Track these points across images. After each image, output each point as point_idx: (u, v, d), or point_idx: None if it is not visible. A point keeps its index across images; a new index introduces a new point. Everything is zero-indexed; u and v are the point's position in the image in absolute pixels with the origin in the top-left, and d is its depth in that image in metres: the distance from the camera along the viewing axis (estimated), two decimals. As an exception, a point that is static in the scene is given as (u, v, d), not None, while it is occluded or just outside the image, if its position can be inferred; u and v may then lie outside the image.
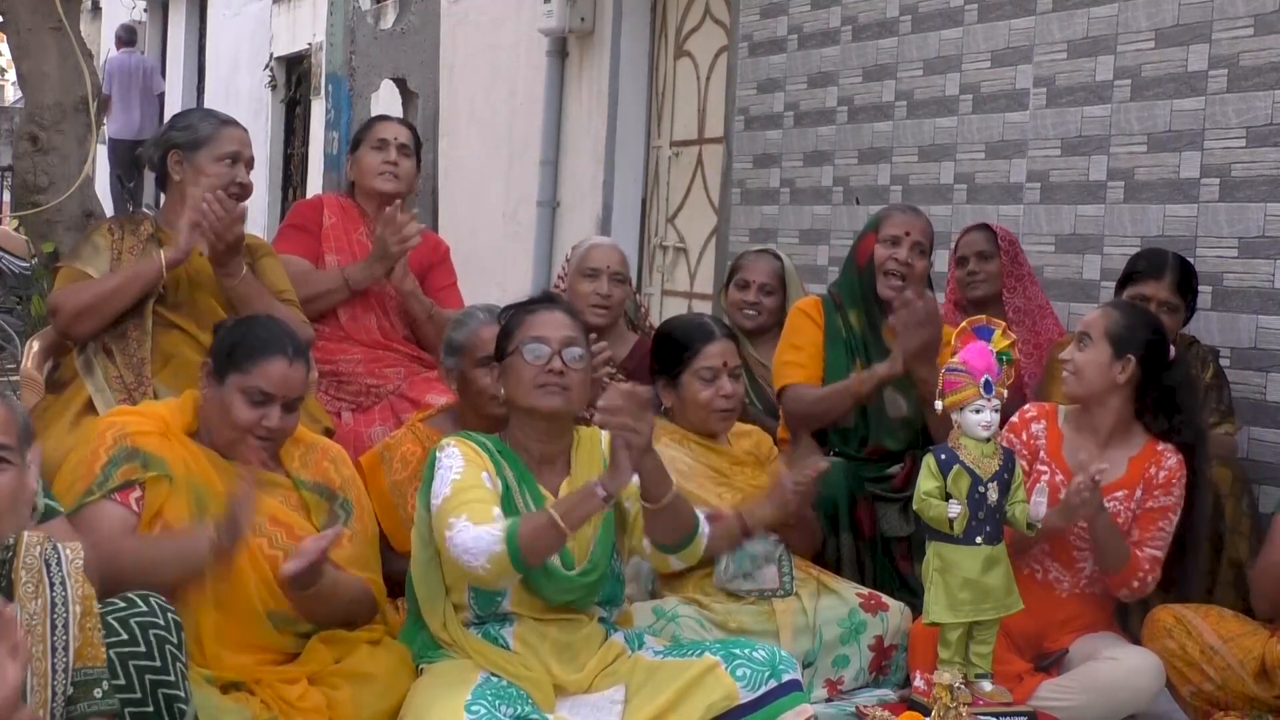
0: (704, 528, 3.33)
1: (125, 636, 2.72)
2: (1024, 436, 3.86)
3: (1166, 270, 4.43)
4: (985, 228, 5.00)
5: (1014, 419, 3.92)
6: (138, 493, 3.16)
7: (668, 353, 3.96)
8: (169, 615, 2.80)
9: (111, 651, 2.65)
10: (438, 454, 3.27)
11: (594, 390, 3.51)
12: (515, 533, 3.04)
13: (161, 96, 13.98)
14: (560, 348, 3.28)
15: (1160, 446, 3.82)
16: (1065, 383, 3.82)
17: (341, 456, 3.50)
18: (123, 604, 2.77)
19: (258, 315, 3.64)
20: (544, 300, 3.44)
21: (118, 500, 3.13)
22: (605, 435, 3.30)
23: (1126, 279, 4.49)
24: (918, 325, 4.15)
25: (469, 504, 3.12)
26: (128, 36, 13.93)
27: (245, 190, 4.10)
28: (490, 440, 3.34)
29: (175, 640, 2.78)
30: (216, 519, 3.03)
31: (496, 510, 3.13)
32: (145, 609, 2.77)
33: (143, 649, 2.73)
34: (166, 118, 5.66)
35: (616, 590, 3.39)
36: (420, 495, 3.32)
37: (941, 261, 5.33)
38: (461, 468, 3.20)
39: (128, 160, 13.61)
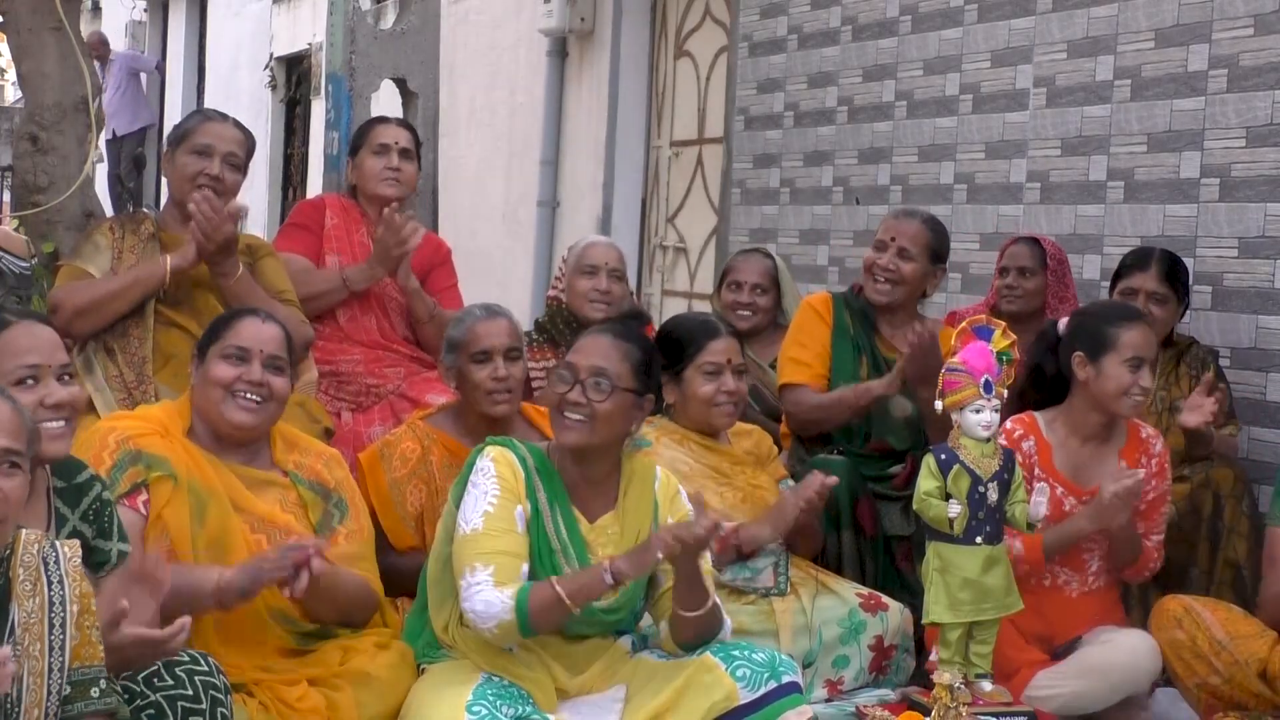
0: (726, 632, 3.33)
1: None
2: (1018, 457, 3.83)
3: (1152, 261, 4.43)
4: (1034, 242, 4.77)
5: (1002, 439, 3.89)
6: (144, 495, 3.13)
7: (671, 349, 3.96)
8: (223, 679, 2.78)
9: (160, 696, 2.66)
10: (477, 460, 3.25)
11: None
12: (525, 606, 3.06)
13: (138, 76, 14.24)
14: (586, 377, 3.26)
15: (1144, 434, 3.85)
16: (1139, 407, 3.80)
17: (336, 459, 3.49)
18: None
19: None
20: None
21: (127, 505, 3.08)
22: (669, 477, 3.38)
23: (1116, 277, 4.49)
24: (921, 355, 4.14)
25: (498, 556, 3.12)
26: (100, 50, 13.87)
27: (218, 183, 4.03)
28: (534, 453, 3.30)
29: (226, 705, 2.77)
30: (227, 577, 3.01)
31: (524, 568, 3.14)
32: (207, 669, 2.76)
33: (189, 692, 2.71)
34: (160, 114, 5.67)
35: (632, 624, 3.40)
36: (453, 491, 3.29)
37: (957, 261, 5.31)
38: (496, 497, 3.18)
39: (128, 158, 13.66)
